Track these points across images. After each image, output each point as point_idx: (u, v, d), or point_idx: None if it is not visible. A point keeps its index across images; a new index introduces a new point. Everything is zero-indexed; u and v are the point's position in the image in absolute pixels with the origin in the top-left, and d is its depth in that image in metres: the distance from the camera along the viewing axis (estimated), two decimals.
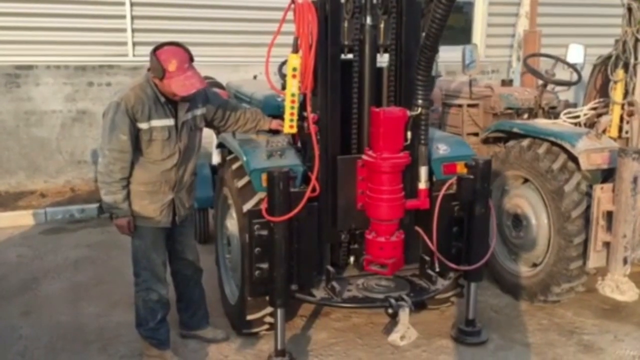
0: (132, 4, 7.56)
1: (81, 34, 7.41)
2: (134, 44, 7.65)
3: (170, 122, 3.53)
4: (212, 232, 5.10)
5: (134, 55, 7.65)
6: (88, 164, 7.70)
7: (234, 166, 3.91)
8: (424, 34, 3.45)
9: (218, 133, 4.23)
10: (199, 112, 3.71)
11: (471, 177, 3.78)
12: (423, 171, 3.74)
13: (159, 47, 3.43)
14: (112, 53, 7.59)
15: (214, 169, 5.34)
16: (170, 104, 3.53)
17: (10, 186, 7.42)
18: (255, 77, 6.36)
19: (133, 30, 7.62)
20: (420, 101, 3.61)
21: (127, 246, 5.61)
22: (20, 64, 7.30)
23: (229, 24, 7.84)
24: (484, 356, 3.94)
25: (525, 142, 4.60)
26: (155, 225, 3.63)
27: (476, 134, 5.63)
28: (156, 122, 3.48)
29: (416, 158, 3.72)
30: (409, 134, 3.63)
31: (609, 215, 4.12)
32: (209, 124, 3.89)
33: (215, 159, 5.40)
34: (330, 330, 4.24)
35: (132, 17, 7.59)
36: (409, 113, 3.59)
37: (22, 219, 6.51)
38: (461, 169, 3.88)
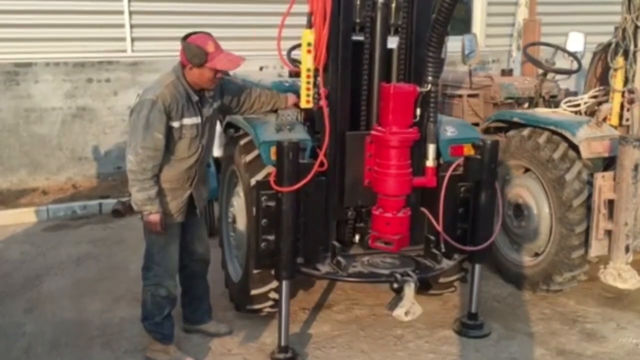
0: None
1: (79, 30, 7.38)
2: (133, 39, 7.61)
3: (198, 119, 3.56)
4: (218, 224, 5.11)
5: (132, 51, 7.61)
6: (89, 160, 7.71)
7: (242, 142, 3.96)
8: (435, 12, 3.46)
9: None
10: (217, 105, 3.74)
11: (479, 157, 3.79)
12: (431, 149, 3.75)
13: (186, 37, 3.46)
14: (110, 49, 7.56)
15: (216, 161, 5.34)
16: (200, 102, 3.56)
17: (12, 184, 7.43)
18: (261, 68, 6.35)
19: (131, 26, 7.58)
20: (430, 78, 3.62)
21: (130, 242, 5.70)
22: (19, 62, 7.28)
23: (229, 17, 7.80)
24: (487, 346, 3.94)
25: (526, 132, 4.60)
26: (172, 222, 3.64)
27: (477, 124, 5.60)
28: (187, 120, 3.51)
29: (424, 136, 3.73)
30: (418, 110, 3.65)
31: (611, 204, 4.12)
32: (226, 113, 3.92)
33: (217, 151, 5.39)
34: (333, 323, 4.24)
35: (130, 13, 7.56)
36: (418, 89, 3.61)
37: (24, 216, 6.51)
38: (468, 151, 3.89)
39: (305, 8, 3.73)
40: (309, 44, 3.63)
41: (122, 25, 7.55)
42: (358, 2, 3.65)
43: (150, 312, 3.72)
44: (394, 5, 3.72)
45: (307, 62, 3.67)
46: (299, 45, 3.85)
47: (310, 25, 3.68)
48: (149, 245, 3.69)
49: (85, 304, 4.56)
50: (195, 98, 3.54)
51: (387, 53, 3.80)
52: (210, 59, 3.42)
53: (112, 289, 4.78)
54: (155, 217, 3.50)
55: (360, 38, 3.72)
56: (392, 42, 3.81)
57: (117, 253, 5.54)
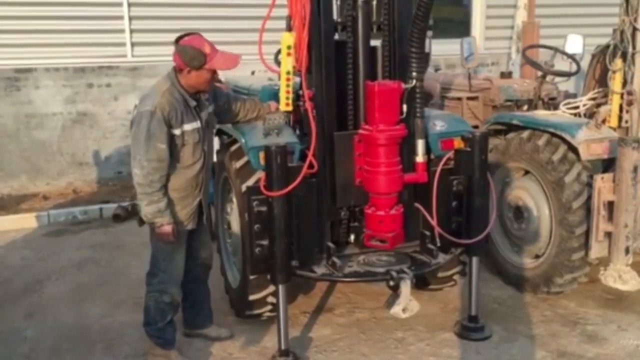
0: (129, 5, 7.57)
1: (80, 36, 7.42)
2: (133, 44, 7.65)
3: (198, 124, 3.56)
4: (215, 229, 5.12)
5: (132, 56, 7.65)
6: (89, 165, 7.73)
7: (232, 148, 3.99)
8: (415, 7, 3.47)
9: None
10: (211, 109, 3.74)
11: (469, 149, 3.79)
12: (420, 144, 3.75)
13: (180, 39, 3.45)
14: (110, 54, 7.59)
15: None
16: (197, 106, 3.56)
17: (12, 189, 7.44)
18: (253, 72, 6.38)
19: (131, 31, 7.62)
20: (414, 73, 3.62)
21: (130, 246, 5.71)
22: (19, 67, 7.31)
23: (226, 22, 7.83)
24: (488, 348, 3.94)
25: (525, 134, 4.60)
26: (182, 229, 3.64)
27: (476, 127, 5.62)
28: (188, 126, 3.50)
29: (413, 132, 3.73)
30: (404, 107, 3.66)
31: (610, 205, 4.12)
32: (217, 119, 3.93)
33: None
34: (334, 326, 4.24)
35: (130, 18, 7.60)
36: (403, 86, 3.62)
37: (25, 221, 6.53)
38: (458, 144, 3.88)
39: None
40: (288, 47, 3.63)
41: (122, 31, 7.59)
42: (338, 2, 3.68)
43: (153, 317, 3.72)
44: (374, 2, 3.74)
45: (287, 64, 3.67)
46: None
47: (289, 28, 3.69)
48: (155, 252, 3.68)
49: (86, 308, 4.57)
50: (193, 103, 3.53)
51: (370, 51, 3.82)
52: (208, 60, 3.41)
53: (112, 294, 4.78)
54: (167, 229, 3.49)
55: (343, 37, 3.74)
56: (375, 40, 3.82)
57: (117, 258, 5.55)
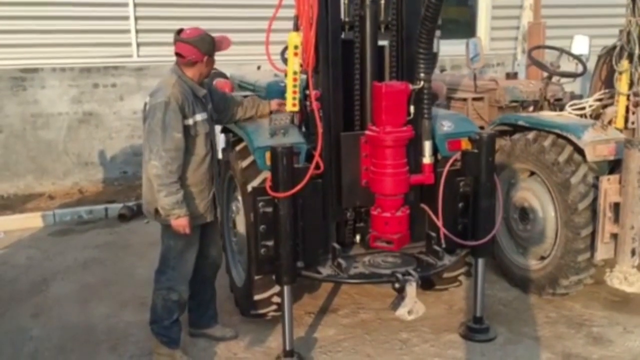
0: (135, 5, 7.60)
1: (85, 36, 7.44)
2: (138, 44, 7.67)
3: (206, 115, 3.63)
4: (220, 228, 5.13)
5: (138, 56, 7.68)
6: (95, 165, 7.76)
7: (238, 147, 3.99)
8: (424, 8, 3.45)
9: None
10: (210, 105, 3.78)
11: (476, 151, 3.78)
12: (427, 146, 3.74)
13: (180, 33, 3.52)
14: (116, 54, 7.62)
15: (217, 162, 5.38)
16: (204, 96, 3.63)
17: (18, 189, 7.47)
18: (258, 67, 6.40)
19: (137, 31, 7.65)
20: (422, 75, 3.61)
21: (136, 246, 5.72)
22: (25, 67, 7.34)
23: (232, 22, 7.83)
24: (493, 350, 3.93)
25: (531, 135, 4.59)
26: (202, 222, 3.68)
27: (482, 128, 5.60)
28: (199, 116, 3.57)
29: (420, 133, 3.72)
30: (411, 108, 3.65)
31: (616, 207, 4.10)
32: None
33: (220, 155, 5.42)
34: (339, 327, 4.24)
35: (136, 18, 7.62)
36: (411, 87, 3.61)
37: (30, 221, 6.55)
38: (466, 145, 3.87)
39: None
40: (295, 47, 3.62)
41: (127, 31, 7.62)
42: (346, 1, 3.66)
43: (160, 315, 3.72)
44: (382, 2, 3.73)
45: (294, 64, 3.67)
46: None
47: (296, 27, 3.69)
48: (166, 250, 3.69)
49: (91, 308, 4.58)
50: (203, 92, 3.59)
51: (378, 51, 3.81)
52: (216, 43, 3.57)
53: (118, 294, 4.80)
54: (184, 221, 3.50)
55: (350, 37, 3.73)
56: (383, 40, 3.82)
57: (123, 258, 5.56)
